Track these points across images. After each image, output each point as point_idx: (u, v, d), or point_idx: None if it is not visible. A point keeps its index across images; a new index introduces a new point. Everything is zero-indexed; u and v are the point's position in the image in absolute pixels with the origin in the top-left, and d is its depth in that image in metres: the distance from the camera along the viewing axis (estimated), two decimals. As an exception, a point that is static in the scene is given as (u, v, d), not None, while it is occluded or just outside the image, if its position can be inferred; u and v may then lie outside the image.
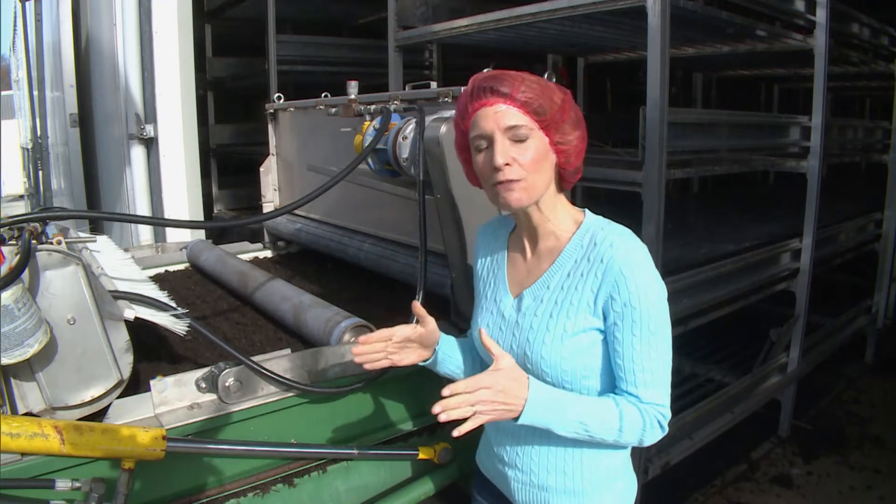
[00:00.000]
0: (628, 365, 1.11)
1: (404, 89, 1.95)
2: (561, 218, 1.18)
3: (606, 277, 1.09)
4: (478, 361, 1.35)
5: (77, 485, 1.13)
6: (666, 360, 1.12)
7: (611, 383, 1.15)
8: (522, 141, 1.09)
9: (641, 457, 2.29)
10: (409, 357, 1.29)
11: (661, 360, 1.11)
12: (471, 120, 1.13)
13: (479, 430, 1.29)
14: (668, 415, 1.14)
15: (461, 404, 1.03)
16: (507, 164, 1.09)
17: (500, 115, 1.09)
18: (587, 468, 1.19)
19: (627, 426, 1.11)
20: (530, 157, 1.09)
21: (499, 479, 1.32)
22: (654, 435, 1.14)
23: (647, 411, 1.12)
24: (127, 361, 1.34)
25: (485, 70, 1.71)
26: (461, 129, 1.18)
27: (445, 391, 1.03)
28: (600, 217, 1.19)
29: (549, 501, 1.22)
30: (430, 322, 1.28)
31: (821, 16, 2.81)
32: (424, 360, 1.33)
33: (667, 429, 1.15)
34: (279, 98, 2.87)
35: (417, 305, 1.26)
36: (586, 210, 1.21)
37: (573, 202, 1.24)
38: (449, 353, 1.35)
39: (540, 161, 1.11)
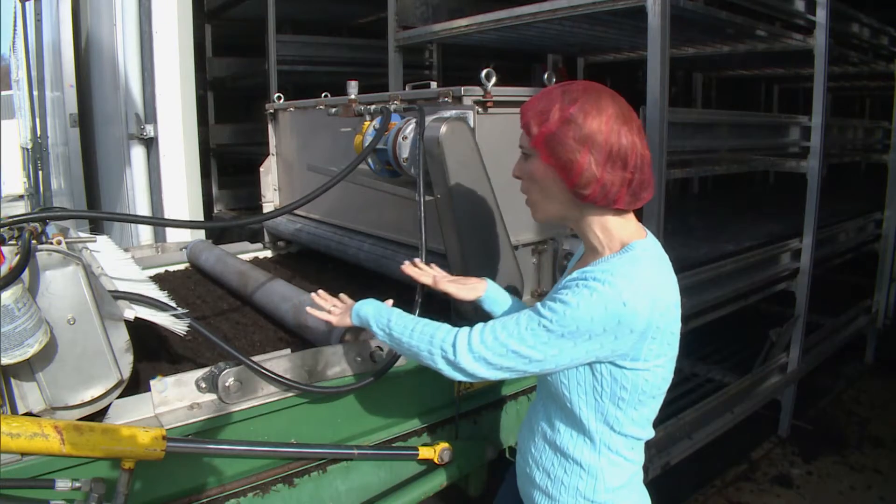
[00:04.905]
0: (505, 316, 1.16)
1: (404, 89, 1.95)
2: (602, 240, 1.15)
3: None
4: None
5: (77, 485, 1.13)
6: (529, 342, 1.08)
7: (596, 399, 1.14)
8: (527, 159, 1.17)
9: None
10: (461, 291, 1.47)
11: (525, 335, 1.08)
12: None
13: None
14: (475, 345, 1.12)
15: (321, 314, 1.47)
16: (517, 178, 1.20)
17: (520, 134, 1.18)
18: (569, 480, 1.19)
19: (419, 329, 1.21)
20: (528, 174, 1.17)
21: (516, 459, 1.38)
22: (443, 351, 1.15)
23: (452, 330, 1.18)
24: (127, 361, 1.34)
25: (484, 70, 1.72)
26: None
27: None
28: (640, 254, 1.11)
29: (531, 496, 1.26)
30: (436, 279, 1.50)
31: (821, 16, 2.81)
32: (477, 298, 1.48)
33: (460, 358, 1.13)
34: (279, 98, 2.87)
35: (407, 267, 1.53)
36: (646, 239, 1.16)
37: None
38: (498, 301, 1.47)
39: (538, 180, 1.14)
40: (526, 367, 1.10)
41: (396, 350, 1.31)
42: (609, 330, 1.04)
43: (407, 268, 1.53)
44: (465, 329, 1.16)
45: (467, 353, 1.13)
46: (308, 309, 1.51)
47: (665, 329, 1.09)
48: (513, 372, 1.12)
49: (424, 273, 1.52)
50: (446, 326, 1.20)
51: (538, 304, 1.10)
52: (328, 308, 1.48)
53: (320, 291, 1.53)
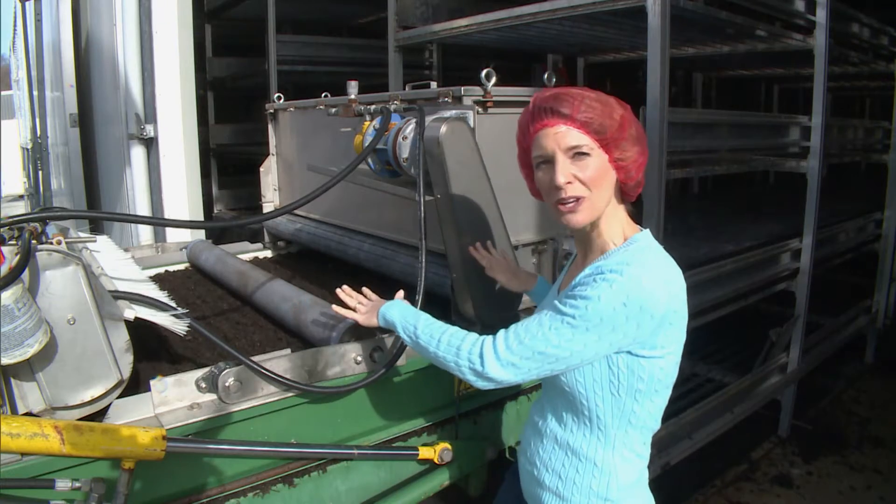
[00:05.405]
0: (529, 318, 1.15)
1: (404, 89, 1.95)
2: (613, 234, 1.19)
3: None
4: None
5: (77, 485, 1.13)
6: (554, 341, 1.09)
7: (613, 394, 1.15)
8: (583, 159, 1.12)
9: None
10: (511, 282, 1.59)
11: (550, 335, 1.09)
12: (532, 139, 1.17)
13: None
14: (502, 352, 1.13)
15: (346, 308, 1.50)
16: (569, 183, 1.12)
17: (560, 136, 1.12)
18: (581, 479, 1.19)
19: (445, 340, 1.21)
20: (590, 175, 1.12)
21: (519, 460, 1.38)
22: (470, 363, 1.16)
23: (477, 340, 1.18)
24: (127, 361, 1.34)
25: (484, 70, 1.72)
26: (523, 147, 1.23)
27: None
28: (646, 245, 1.16)
29: (539, 497, 1.25)
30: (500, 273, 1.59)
31: (821, 16, 2.81)
32: (526, 290, 1.60)
33: (489, 368, 1.13)
34: (279, 98, 2.87)
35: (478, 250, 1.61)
36: (645, 231, 1.20)
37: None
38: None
39: (600, 178, 1.13)
40: (553, 366, 1.11)
41: (423, 356, 1.29)
42: (632, 318, 1.06)
43: (472, 250, 1.62)
44: (489, 339, 1.16)
45: (495, 362, 1.13)
46: (334, 307, 1.53)
47: (680, 312, 1.13)
48: (540, 373, 1.13)
49: (484, 256, 1.60)
50: (472, 336, 1.20)
51: (557, 304, 1.11)
52: (353, 305, 1.49)
53: (345, 287, 1.53)
